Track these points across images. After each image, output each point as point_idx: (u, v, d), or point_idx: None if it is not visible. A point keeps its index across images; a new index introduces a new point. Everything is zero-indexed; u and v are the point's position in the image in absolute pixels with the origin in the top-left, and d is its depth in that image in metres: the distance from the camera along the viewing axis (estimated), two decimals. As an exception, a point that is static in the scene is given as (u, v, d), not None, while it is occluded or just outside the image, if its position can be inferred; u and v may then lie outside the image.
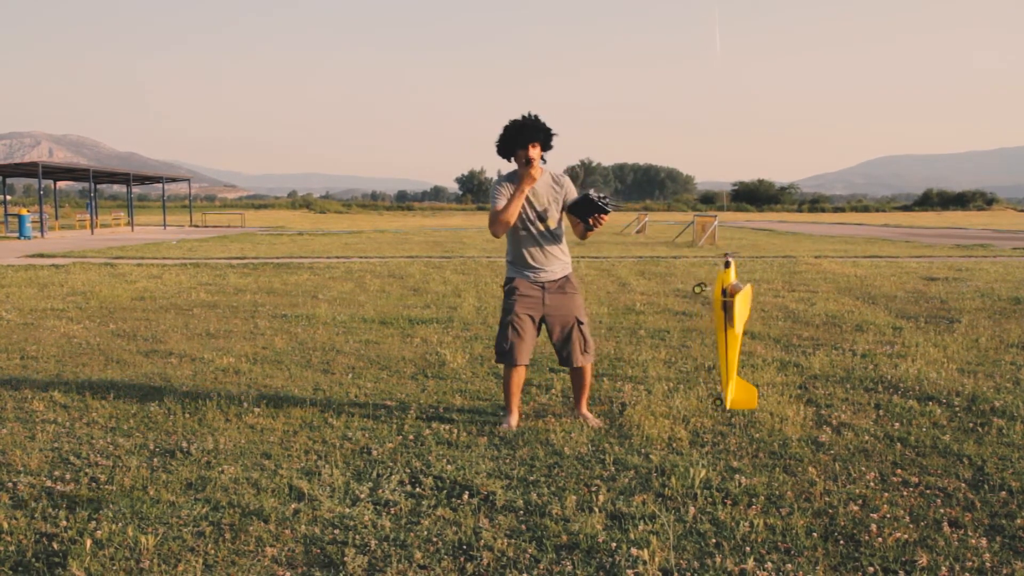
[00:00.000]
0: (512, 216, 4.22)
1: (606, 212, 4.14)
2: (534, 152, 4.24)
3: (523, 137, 4.22)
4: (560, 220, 4.41)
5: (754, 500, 3.31)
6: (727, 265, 2.68)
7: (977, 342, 6.88)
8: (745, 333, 7.31)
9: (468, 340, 6.96)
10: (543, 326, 4.43)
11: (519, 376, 4.39)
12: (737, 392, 2.72)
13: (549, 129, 4.29)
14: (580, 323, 4.37)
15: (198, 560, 2.78)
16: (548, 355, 6.24)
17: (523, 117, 4.28)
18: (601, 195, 4.14)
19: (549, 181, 4.36)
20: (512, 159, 4.32)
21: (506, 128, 4.29)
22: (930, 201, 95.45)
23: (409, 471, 3.65)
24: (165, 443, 4.05)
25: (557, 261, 4.37)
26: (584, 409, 4.55)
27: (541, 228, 4.32)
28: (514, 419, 4.41)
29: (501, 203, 4.25)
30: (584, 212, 4.20)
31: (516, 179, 4.29)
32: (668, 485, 3.47)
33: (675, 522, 3.09)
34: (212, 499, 3.30)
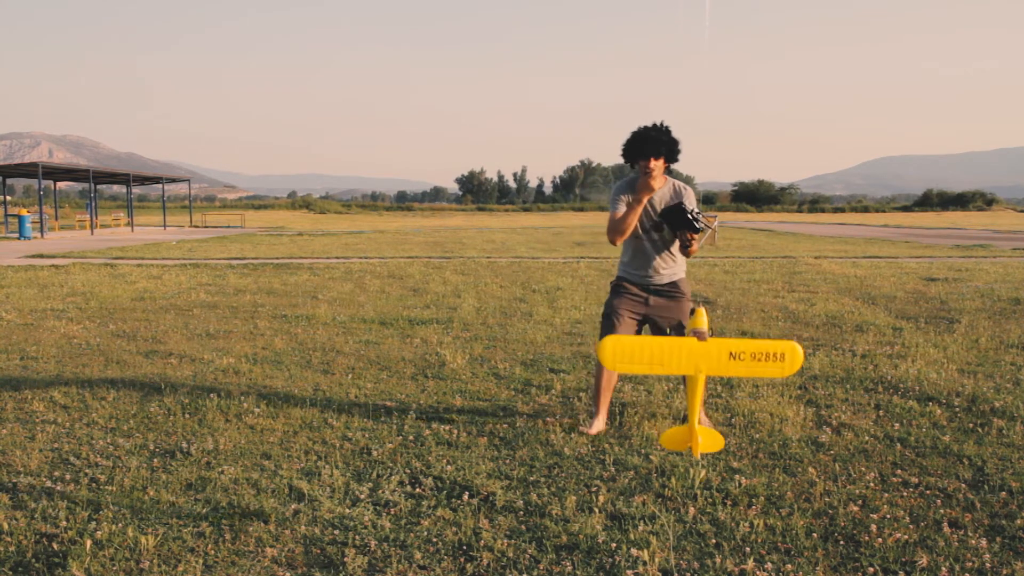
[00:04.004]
0: (630, 227, 4.19)
1: (696, 231, 3.98)
2: (655, 164, 4.10)
3: (647, 148, 4.08)
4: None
5: (754, 500, 3.31)
6: (692, 312, 2.55)
7: (977, 343, 6.88)
8: (745, 333, 7.32)
9: (468, 341, 6.96)
10: (646, 327, 4.38)
11: (610, 374, 4.30)
12: (704, 439, 2.59)
13: (676, 141, 4.14)
14: (685, 327, 4.25)
15: (198, 560, 2.78)
16: (548, 355, 6.24)
17: (653, 126, 4.14)
18: (695, 210, 3.98)
19: (670, 191, 4.26)
20: (634, 167, 4.22)
21: (633, 135, 4.16)
22: (930, 202, 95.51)
23: (409, 472, 3.65)
24: (165, 443, 4.05)
25: (667, 268, 4.30)
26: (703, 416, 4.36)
27: (655, 237, 4.26)
28: (599, 422, 4.29)
29: (620, 210, 4.20)
30: (673, 222, 4.05)
31: (635, 186, 4.20)
32: (668, 485, 3.46)
33: (675, 522, 3.09)
34: (212, 499, 3.30)
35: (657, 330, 4.35)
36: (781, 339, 2.52)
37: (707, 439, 2.58)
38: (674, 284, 4.31)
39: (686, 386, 2.58)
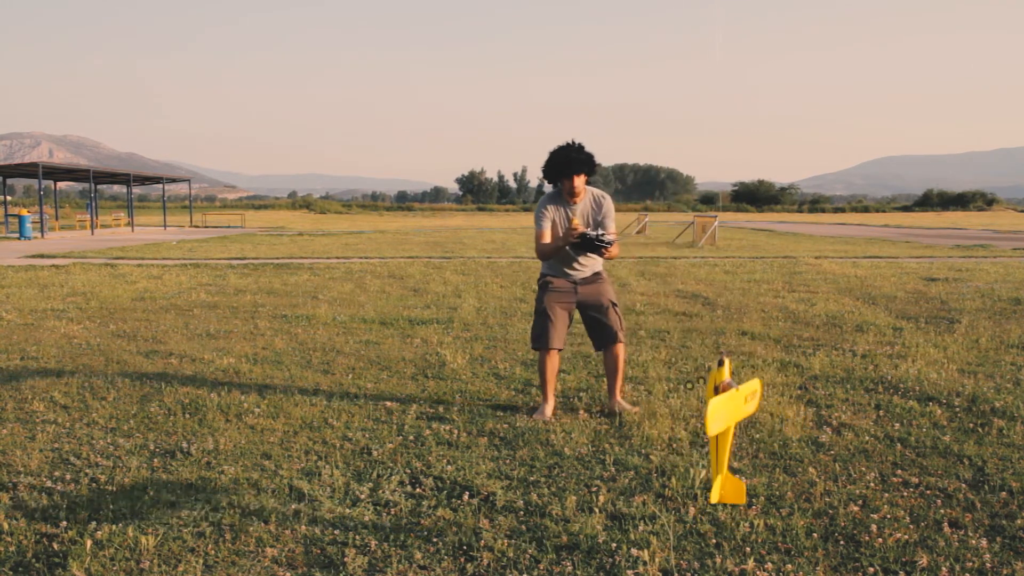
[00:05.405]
0: (554, 255, 4.54)
1: (605, 244, 4.34)
2: (579, 180, 4.44)
3: (571, 168, 4.40)
4: None
5: (754, 500, 3.31)
6: (720, 364, 2.59)
7: (977, 343, 6.87)
8: (745, 334, 7.31)
9: (468, 341, 6.96)
10: (575, 317, 4.71)
11: (553, 362, 4.60)
12: (725, 488, 2.65)
13: (592, 156, 4.46)
14: (614, 304, 4.62)
15: (198, 560, 2.78)
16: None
17: (568, 145, 4.43)
18: (598, 232, 4.36)
19: (590, 201, 4.58)
20: (556, 184, 4.54)
21: (552, 155, 4.45)
22: (930, 202, 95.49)
23: (409, 472, 3.65)
24: (165, 443, 4.05)
25: (587, 267, 4.63)
26: (618, 397, 4.67)
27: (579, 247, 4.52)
28: (549, 408, 4.57)
29: (545, 226, 4.52)
30: (587, 250, 4.44)
31: (559, 200, 4.55)
32: (668, 486, 3.47)
33: (675, 522, 3.09)
34: (212, 499, 3.30)
35: (586, 313, 4.64)
36: (752, 380, 2.70)
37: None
38: (596, 274, 4.67)
39: (716, 437, 2.68)
